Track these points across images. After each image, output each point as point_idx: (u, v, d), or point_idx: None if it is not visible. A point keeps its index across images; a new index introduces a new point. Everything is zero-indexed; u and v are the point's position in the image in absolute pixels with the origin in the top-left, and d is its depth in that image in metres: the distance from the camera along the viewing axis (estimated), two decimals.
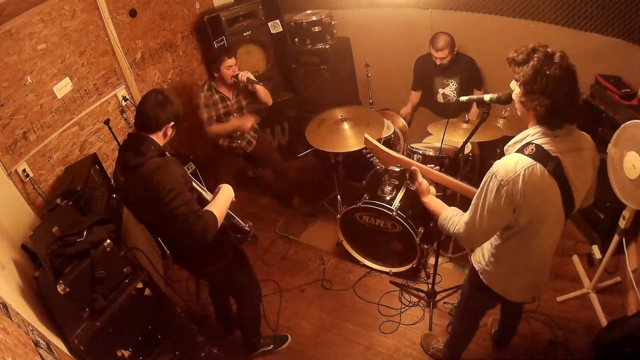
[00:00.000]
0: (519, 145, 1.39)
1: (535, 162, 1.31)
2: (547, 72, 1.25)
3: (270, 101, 3.17)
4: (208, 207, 1.73)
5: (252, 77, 2.95)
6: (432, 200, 1.70)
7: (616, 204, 2.19)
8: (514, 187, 1.32)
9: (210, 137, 3.13)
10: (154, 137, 1.75)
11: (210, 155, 3.54)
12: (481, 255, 1.70)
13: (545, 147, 1.33)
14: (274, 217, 3.60)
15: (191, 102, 3.28)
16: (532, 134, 1.37)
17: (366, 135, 1.92)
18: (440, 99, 3.28)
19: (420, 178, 1.73)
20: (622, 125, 1.99)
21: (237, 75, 2.93)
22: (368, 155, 1.95)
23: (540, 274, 1.65)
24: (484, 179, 1.40)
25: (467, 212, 1.48)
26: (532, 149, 1.34)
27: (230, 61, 2.92)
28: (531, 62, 1.27)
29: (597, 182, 1.56)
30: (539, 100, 1.27)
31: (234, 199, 1.91)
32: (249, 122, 3.09)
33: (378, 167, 2.67)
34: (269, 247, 3.33)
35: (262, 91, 3.07)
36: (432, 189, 1.75)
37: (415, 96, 3.43)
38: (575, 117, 1.33)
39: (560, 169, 1.34)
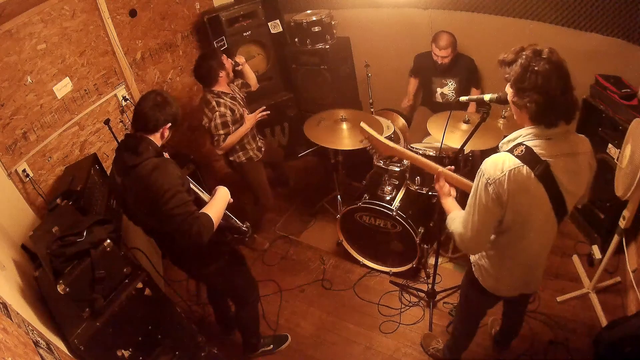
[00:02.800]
0: (511, 144, 1.40)
1: (522, 164, 1.31)
2: (536, 68, 1.25)
3: (256, 83, 3.05)
4: (204, 209, 1.73)
5: (243, 58, 2.90)
6: (450, 202, 1.68)
7: (616, 204, 2.19)
8: (500, 186, 1.33)
9: (224, 152, 2.81)
10: (151, 138, 1.75)
11: (229, 179, 3.29)
12: None
13: (536, 149, 1.33)
14: (274, 217, 3.60)
15: (191, 102, 3.28)
16: (525, 134, 1.37)
17: (362, 124, 1.91)
18: (438, 98, 3.28)
19: (442, 181, 1.71)
20: (630, 125, 2.03)
21: (235, 62, 2.80)
22: (364, 145, 1.95)
23: (529, 274, 1.65)
24: (475, 179, 1.41)
25: (463, 212, 1.49)
26: (522, 151, 1.34)
27: (224, 55, 2.76)
28: (519, 61, 1.29)
29: (598, 183, 1.56)
30: (530, 97, 1.27)
31: (230, 201, 1.91)
32: (250, 118, 2.83)
33: (375, 156, 2.62)
34: (269, 247, 3.32)
35: (251, 74, 2.99)
36: (453, 191, 1.72)
37: (413, 83, 3.42)
38: (570, 114, 1.33)
39: (548, 173, 1.33)
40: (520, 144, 1.36)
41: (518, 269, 1.61)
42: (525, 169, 1.31)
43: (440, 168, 1.73)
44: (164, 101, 1.75)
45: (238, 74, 2.92)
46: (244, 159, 2.92)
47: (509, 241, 1.50)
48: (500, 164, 1.34)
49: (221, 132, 2.65)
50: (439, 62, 3.06)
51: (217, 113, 2.61)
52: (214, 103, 2.63)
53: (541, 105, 1.27)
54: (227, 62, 2.74)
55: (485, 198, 1.37)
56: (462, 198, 1.70)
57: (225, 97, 2.70)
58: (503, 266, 1.61)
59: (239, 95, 2.89)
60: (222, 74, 2.69)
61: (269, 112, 2.90)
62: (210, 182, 3.28)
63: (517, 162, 1.32)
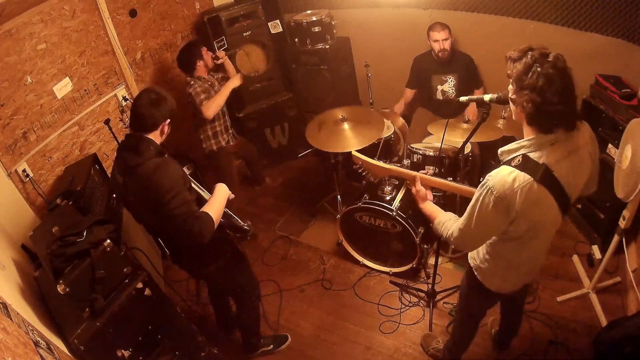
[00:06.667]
0: (513, 155, 1.38)
1: (531, 179, 1.30)
2: (539, 69, 1.24)
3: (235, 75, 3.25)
4: (204, 208, 1.73)
5: (223, 53, 3.20)
6: (429, 206, 1.72)
7: (616, 204, 2.19)
8: (511, 203, 1.32)
9: (210, 117, 2.98)
10: (151, 136, 1.75)
11: (205, 164, 3.54)
12: (475, 252, 1.71)
13: (540, 160, 1.32)
14: (274, 217, 3.60)
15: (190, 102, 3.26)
16: (527, 145, 1.35)
17: (354, 152, 1.92)
18: (439, 95, 3.29)
19: (419, 185, 1.75)
20: (628, 124, 2.03)
21: (215, 57, 3.10)
22: (360, 171, 1.96)
23: (534, 266, 1.68)
24: (478, 191, 1.38)
25: (462, 218, 1.48)
26: (519, 160, 1.33)
27: (204, 48, 3.03)
28: (524, 59, 1.28)
29: (598, 184, 1.56)
30: (528, 96, 1.27)
31: (231, 197, 1.91)
32: (236, 78, 3.12)
33: (372, 180, 2.64)
34: (269, 247, 3.33)
35: (231, 67, 3.27)
36: (430, 195, 1.76)
37: (409, 93, 3.44)
38: (570, 123, 1.32)
39: (551, 177, 1.32)
40: (520, 154, 1.35)
41: (525, 266, 1.62)
42: (535, 183, 1.30)
43: (414, 173, 1.77)
44: (159, 98, 1.74)
45: (219, 67, 3.19)
46: (215, 148, 3.18)
47: (519, 243, 1.50)
48: (510, 181, 1.31)
49: (202, 96, 2.93)
50: (439, 47, 3.05)
51: (195, 85, 2.94)
52: (191, 82, 2.96)
53: (538, 107, 1.26)
54: (207, 55, 3.02)
55: (492, 214, 1.35)
56: (464, 201, 1.70)
57: (201, 81, 3.00)
58: (510, 267, 1.61)
59: (218, 85, 3.15)
60: (200, 63, 2.99)
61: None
62: (211, 182, 3.30)
63: (527, 177, 1.30)
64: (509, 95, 1.37)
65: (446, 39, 3.02)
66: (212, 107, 2.95)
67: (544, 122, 1.31)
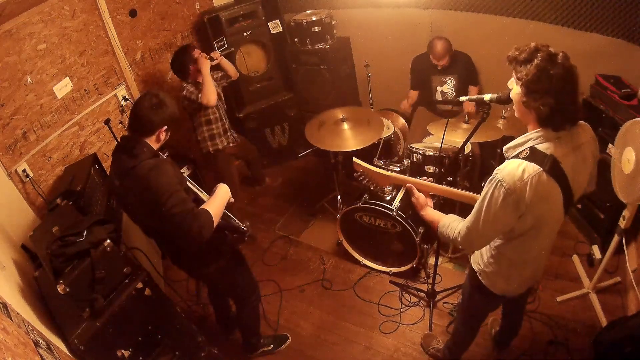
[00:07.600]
0: (519, 149, 1.37)
1: (540, 169, 1.29)
2: (551, 72, 1.23)
3: (236, 73, 3.21)
4: (204, 206, 1.73)
5: (218, 53, 3.06)
6: (430, 212, 1.70)
7: (616, 204, 2.19)
8: (522, 195, 1.30)
9: (213, 102, 2.86)
10: (147, 140, 1.74)
11: (205, 164, 3.54)
12: (479, 256, 1.70)
13: (548, 152, 1.31)
14: (274, 217, 3.60)
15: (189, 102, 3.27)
16: (534, 138, 1.35)
17: (355, 159, 1.91)
18: (438, 96, 3.29)
19: (416, 193, 1.73)
20: (624, 124, 2.02)
21: (210, 57, 2.96)
22: (360, 178, 1.95)
23: (537, 268, 1.67)
24: (487, 186, 1.37)
25: (469, 216, 1.46)
26: (527, 153, 1.33)
27: (197, 50, 2.93)
28: (535, 61, 1.25)
29: (598, 184, 1.56)
30: (543, 100, 1.26)
31: (231, 199, 1.91)
32: (205, 64, 2.89)
33: (372, 188, 2.64)
34: (269, 247, 3.33)
35: (229, 65, 3.15)
36: (430, 202, 1.75)
37: (414, 94, 3.45)
38: (576, 118, 1.33)
39: (559, 168, 1.32)
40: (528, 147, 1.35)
41: (529, 267, 1.61)
42: (544, 174, 1.30)
43: (411, 180, 1.75)
44: (159, 103, 1.73)
45: (217, 66, 3.07)
46: (211, 150, 3.10)
47: (522, 242, 1.49)
48: (519, 172, 1.30)
49: (197, 91, 2.84)
50: (439, 65, 3.10)
51: (187, 86, 2.87)
52: (184, 85, 2.90)
53: (553, 109, 1.26)
54: (201, 57, 2.88)
55: (502, 208, 1.34)
56: (463, 205, 1.70)
57: (195, 85, 2.90)
58: (513, 268, 1.60)
59: (216, 84, 3.03)
60: (194, 68, 2.88)
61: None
62: (211, 183, 3.31)
63: (536, 167, 1.30)
64: (519, 99, 1.34)
65: (445, 62, 3.07)
66: (207, 93, 2.79)
67: (556, 122, 1.30)
